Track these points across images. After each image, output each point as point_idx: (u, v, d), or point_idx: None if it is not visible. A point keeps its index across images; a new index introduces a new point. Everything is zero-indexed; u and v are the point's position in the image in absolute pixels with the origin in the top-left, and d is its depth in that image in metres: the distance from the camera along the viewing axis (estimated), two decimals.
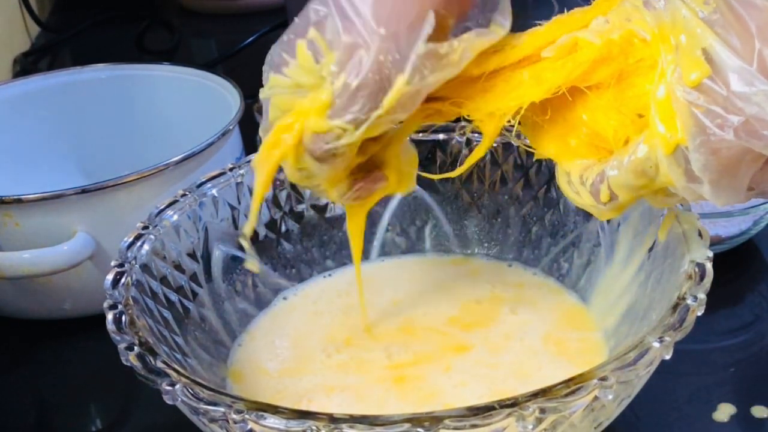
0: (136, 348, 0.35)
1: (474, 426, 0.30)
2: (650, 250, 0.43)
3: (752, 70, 0.28)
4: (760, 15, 0.28)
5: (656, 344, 0.33)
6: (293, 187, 0.51)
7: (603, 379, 0.32)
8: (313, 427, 0.30)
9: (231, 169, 0.48)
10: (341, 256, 0.53)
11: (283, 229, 0.51)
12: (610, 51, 0.33)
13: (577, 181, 0.36)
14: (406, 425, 0.30)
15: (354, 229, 0.44)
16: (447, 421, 0.30)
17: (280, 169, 0.37)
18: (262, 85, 0.37)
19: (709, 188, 0.31)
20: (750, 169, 0.30)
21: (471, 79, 0.36)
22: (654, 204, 0.37)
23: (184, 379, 0.33)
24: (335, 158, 0.35)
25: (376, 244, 0.54)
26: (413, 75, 0.33)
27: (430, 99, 0.36)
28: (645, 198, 0.35)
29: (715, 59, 0.29)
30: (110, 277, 0.40)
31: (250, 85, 0.68)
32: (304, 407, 0.35)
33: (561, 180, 0.37)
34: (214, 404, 0.32)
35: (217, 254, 0.48)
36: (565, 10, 0.35)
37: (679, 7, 0.30)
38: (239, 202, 0.49)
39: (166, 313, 0.42)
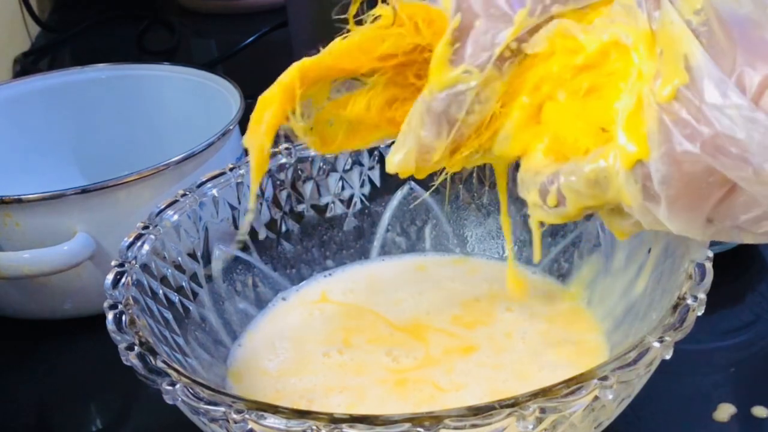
0: (136, 348, 0.36)
1: (474, 426, 0.30)
2: (650, 250, 0.43)
3: (730, 83, 0.27)
4: (750, 33, 0.27)
5: (656, 344, 0.33)
6: (293, 186, 0.51)
7: (603, 379, 0.32)
8: (313, 427, 0.30)
9: (231, 169, 0.48)
10: (341, 256, 0.53)
11: (283, 229, 0.51)
12: (589, 60, 0.32)
13: (529, 179, 0.35)
14: (407, 425, 0.30)
15: None
16: (447, 421, 0.30)
17: None
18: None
19: (665, 208, 0.30)
20: (711, 194, 0.29)
21: None
22: (610, 227, 0.36)
23: (184, 379, 0.33)
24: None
25: (376, 244, 0.54)
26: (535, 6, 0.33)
27: None
28: (600, 216, 0.35)
29: (693, 66, 0.28)
30: (110, 277, 0.40)
31: (250, 85, 0.68)
32: (304, 407, 0.35)
33: (520, 174, 0.36)
34: (215, 404, 0.32)
35: (217, 254, 0.48)
36: None
37: (669, 11, 0.29)
38: (239, 202, 0.49)
39: (167, 313, 0.42)
